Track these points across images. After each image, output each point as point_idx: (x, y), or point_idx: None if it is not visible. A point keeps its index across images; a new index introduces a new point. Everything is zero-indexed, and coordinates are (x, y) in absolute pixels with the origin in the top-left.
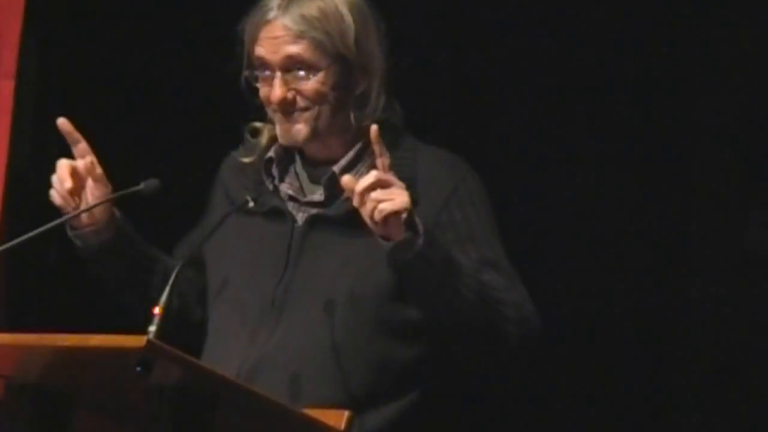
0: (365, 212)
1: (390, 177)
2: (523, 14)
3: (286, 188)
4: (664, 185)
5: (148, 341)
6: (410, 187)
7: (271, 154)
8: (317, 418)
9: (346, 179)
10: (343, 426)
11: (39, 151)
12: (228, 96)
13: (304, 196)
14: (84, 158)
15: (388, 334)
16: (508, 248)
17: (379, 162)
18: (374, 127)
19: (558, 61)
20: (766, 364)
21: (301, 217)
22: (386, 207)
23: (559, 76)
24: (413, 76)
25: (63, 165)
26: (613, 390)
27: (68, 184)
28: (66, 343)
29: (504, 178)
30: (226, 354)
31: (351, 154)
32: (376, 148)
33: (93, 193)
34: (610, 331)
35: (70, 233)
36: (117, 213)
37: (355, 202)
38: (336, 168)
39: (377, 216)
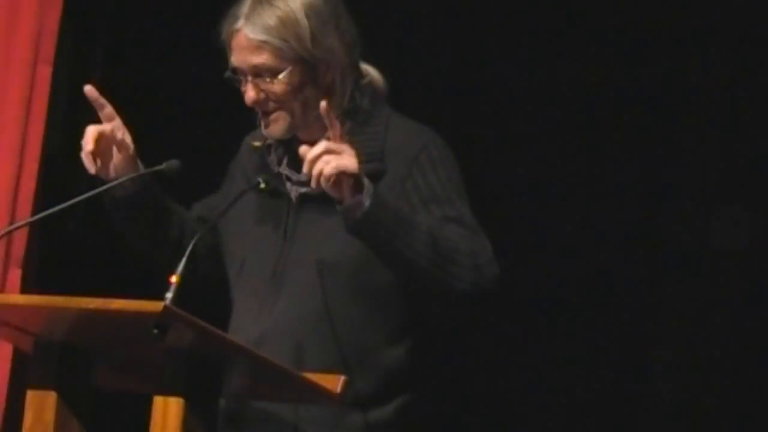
0: (314, 177)
1: (339, 145)
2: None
3: (283, 169)
4: (637, 181)
5: (165, 306)
6: (378, 161)
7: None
8: (316, 382)
9: (302, 149)
10: (339, 389)
11: (71, 134)
12: None
13: (298, 176)
14: (111, 122)
15: (367, 299)
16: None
17: (330, 133)
18: (323, 104)
19: (554, 53)
20: (742, 360)
21: (294, 195)
22: (327, 169)
23: (550, 70)
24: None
25: (90, 129)
26: (589, 384)
27: (89, 147)
28: (90, 306)
29: (486, 170)
30: (241, 325)
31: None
32: (326, 120)
33: (117, 156)
34: (588, 324)
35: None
36: (142, 167)
37: (305, 169)
38: None
39: (323, 180)
